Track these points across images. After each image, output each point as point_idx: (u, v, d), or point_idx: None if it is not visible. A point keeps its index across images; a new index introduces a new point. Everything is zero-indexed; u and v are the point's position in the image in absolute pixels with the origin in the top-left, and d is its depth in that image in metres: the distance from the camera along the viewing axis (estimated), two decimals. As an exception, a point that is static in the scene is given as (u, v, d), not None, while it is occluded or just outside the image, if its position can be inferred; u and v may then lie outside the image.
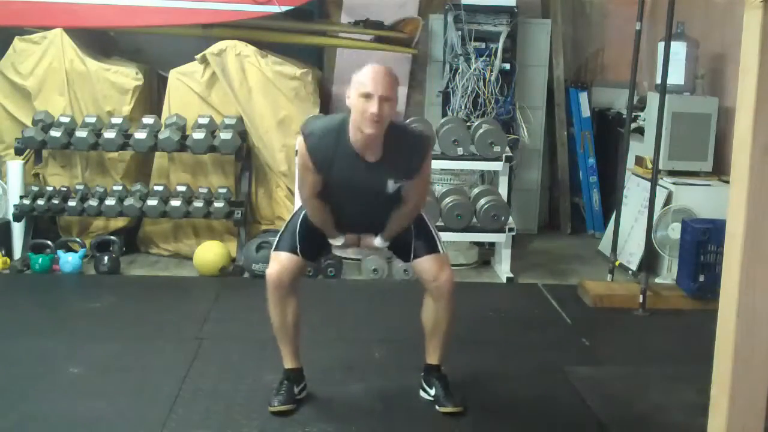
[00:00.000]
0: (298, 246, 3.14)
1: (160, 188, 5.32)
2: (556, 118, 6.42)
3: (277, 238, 3.21)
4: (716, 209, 4.72)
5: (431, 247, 3.19)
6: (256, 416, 3.14)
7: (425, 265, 3.17)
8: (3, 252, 5.17)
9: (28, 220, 5.31)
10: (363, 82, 2.88)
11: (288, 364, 3.27)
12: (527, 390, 3.50)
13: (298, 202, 4.86)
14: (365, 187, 3.05)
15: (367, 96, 2.86)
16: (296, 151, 3.20)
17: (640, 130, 5.60)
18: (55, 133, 5.21)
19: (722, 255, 2.14)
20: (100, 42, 5.88)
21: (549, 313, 4.60)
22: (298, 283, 3.19)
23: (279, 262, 3.12)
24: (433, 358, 3.31)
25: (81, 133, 5.21)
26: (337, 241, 3.25)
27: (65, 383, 3.44)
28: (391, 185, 3.05)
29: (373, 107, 2.85)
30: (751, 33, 1.98)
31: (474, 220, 5.15)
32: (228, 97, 5.44)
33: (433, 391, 3.29)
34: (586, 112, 6.42)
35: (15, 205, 5.25)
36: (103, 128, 5.29)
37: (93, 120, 5.31)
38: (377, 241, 3.24)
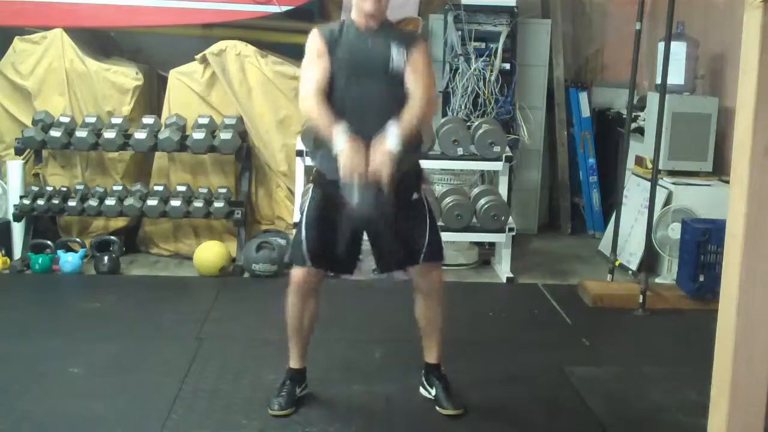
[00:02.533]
0: (311, 257, 3.13)
1: (160, 188, 5.32)
2: (556, 118, 6.42)
3: (290, 249, 3.28)
4: (716, 209, 4.72)
5: (438, 255, 3.23)
6: (256, 416, 3.15)
7: (420, 266, 3.19)
8: (3, 252, 5.17)
9: (28, 220, 5.31)
10: None
11: (294, 364, 3.28)
12: (527, 390, 3.50)
13: (298, 202, 4.86)
14: (370, 60, 3.06)
15: None
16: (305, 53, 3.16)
17: (640, 130, 5.60)
18: (55, 133, 5.21)
19: (722, 255, 2.13)
20: (100, 42, 5.88)
21: (549, 313, 4.60)
22: (321, 285, 3.22)
23: (304, 270, 3.15)
24: (431, 357, 3.32)
25: (81, 133, 5.21)
26: (339, 144, 2.86)
27: (65, 383, 3.44)
28: (395, 53, 3.04)
29: None
30: (751, 33, 1.98)
31: (474, 220, 5.15)
32: (228, 97, 5.44)
33: (433, 391, 3.30)
34: (586, 112, 6.42)
35: (15, 205, 5.25)
36: (103, 128, 5.30)
37: (93, 120, 5.31)
38: (389, 143, 2.85)
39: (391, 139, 2.86)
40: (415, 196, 3.16)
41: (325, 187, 3.09)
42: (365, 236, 3.18)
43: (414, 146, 3.09)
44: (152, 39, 6.00)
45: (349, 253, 3.12)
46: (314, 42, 3.09)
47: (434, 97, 3.20)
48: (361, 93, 3.03)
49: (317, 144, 3.14)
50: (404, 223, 3.08)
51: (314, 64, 3.05)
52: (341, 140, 2.86)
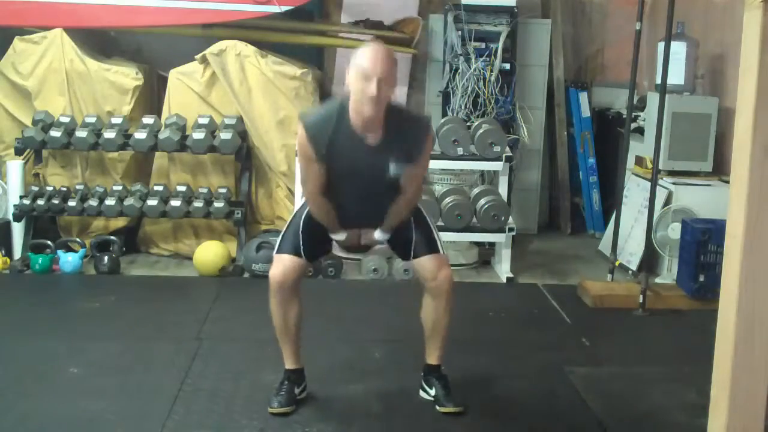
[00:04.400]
0: (302, 247, 3.14)
1: (160, 188, 5.32)
2: (556, 118, 6.42)
3: (279, 240, 3.20)
4: (716, 209, 4.72)
5: (431, 246, 3.20)
6: (256, 416, 3.14)
7: (425, 264, 3.17)
8: (3, 252, 5.16)
9: (28, 220, 5.31)
10: (362, 64, 2.88)
11: (289, 364, 3.27)
12: (527, 390, 3.50)
13: (298, 203, 4.86)
14: (367, 170, 3.03)
15: (366, 77, 2.86)
16: (296, 152, 3.19)
17: (640, 130, 5.60)
18: (55, 133, 5.21)
19: (722, 255, 2.13)
20: (100, 42, 5.88)
21: (549, 313, 4.60)
22: (300, 284, 3.19)
23: (282, 264, 3.11)
24: (432, 358, 3.31)
25: (81, 133, 5.21)
26: (338, 237, 3.23)
27: (65, 383, 3.44)
28: (393, 168, 3.03)
29: (372, 89, 2.85)
30: (751, 33, 1.98)
31: (474, 220, 5.15)
32: (228, 97, 5.44)
33: (433, 392, 3.30)
34: (586, 112, 6.42)
35: (15, 205, 5.25)
36: (103, 128, 5.29)
37: (93, 120, 5.31)
38: (377, 234, 3.21)
39: (378, 232, 3.21)
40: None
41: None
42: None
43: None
44: (152, 39, 5.99)
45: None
46: (302, 143, 3.02)
47: (421, 192, 3.37)
48: (355, 197, 3.14)
49: None
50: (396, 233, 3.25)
51: (307, 168, 3.08)
52: (339, 237, 3.23)
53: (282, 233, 3.23)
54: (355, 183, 3.09)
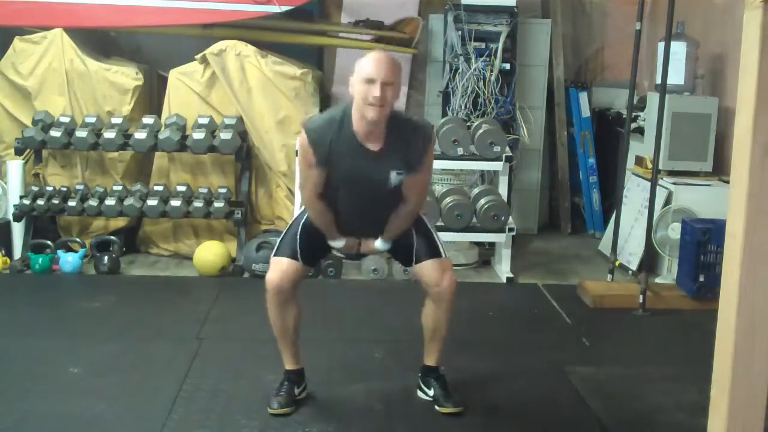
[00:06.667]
0: (299, 251, 3.12)
1: (160, 188, 5.32)
2: (556, 118, 6.42)
3: (277, 243, 3.20)
4: (716, 209, 4.72)
5: (433, 251, 3.18)
6: (256, 416, 3.14)
7: (427, 269, 3.15)
8: (3, 252, 5.17)
9: (28, 220, 5.31)
10: (365, 68, 2.89)
11: (289, 365, 3.27)
12: (527, 390, 3.50)
13: (298, 203, 4.86)
14: (367, 178, 3.02)
15: (370, 81, 2.87)
16: (296, 151, 3.18)
17: (640, 130, 5.60)
18: (55, 133, 5.21)
19: (722, 255, 2.13)
20: (100, 42, 5.88)
21: (549, 313, 4.60)
22: (298, 287, 3.18)
23: (279, 268, 3.10)
24: (431, 360, 3.31)
25: (81, 133, 5.21)
26: (337, 244, 3.23)
27: (65, 383, 3.44)
28: (394, 177, 3.02)
29: (375, 91, 2.85)
30: (751, 33, 1.97)
31: (474, 220, 5.15)
32: (228, 97, 5.44)
33: (431, 392, 3.30)
34: (586, 112, 6.42)
35: (15, 205, 5.25)
36: (103, 128, 5.30)
37: (93, 120, 5.31)
38: (378, 244, 3.21)
39: (379, 242, 3.21)
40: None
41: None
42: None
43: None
44: (152, 39, 6.00)
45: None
46: (303, 149, 3.02)
47: (425, 201, 3.37)
48: (355, 204, 3.13)
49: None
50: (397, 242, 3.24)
51: (308, 173, 3.07)
52: (338, 244, 3.22)
53: (281, 236, 3.22)
54: (355, 190, 3.08)
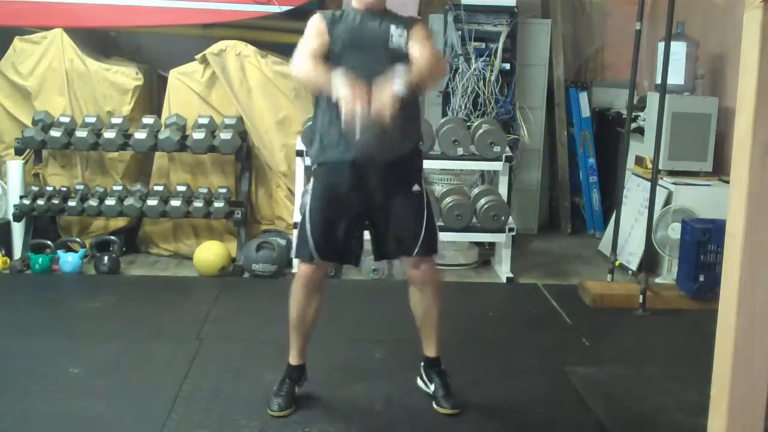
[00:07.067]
0: (314, 250, 3.11)
1: (160, 188, 5.32)
2: (556, 118, 6.42)
3: (294, 242, 3.21)
4: (716, 209, 4.72)
5: (431, 251, 3.19)
6: (256, 416, 3.14)
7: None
8: (3, 252, 5.17)
9: (28, 220, 5.31)
10: None
11: (294, 360, 3.28)
12: (527, 390, 3.50)
13: (298, 203, 4.86)
14: (370, 39, 3.05)
15: None
16: (295, 70, 3.09)
17: (640, 130, 5.60)
18: (55, 133, 5.21)
19: (722, 255, 2.13)
20: (100, 42, 5.89)
21: (549, 313, 4.60)
22: (324, 281, 3.25)
23: (302, 269, 3.18)
24: (430, 350, 3.32)
25: (81, 133, 5.21)
26: (340, 90, 2.79)
27: (65, 383, 3.44)
28: (394, 31, 3.04)
29: None
30: (751, 33, 1.97)
31: (474, 220, 5.15)
32: (228, 97, 5.44)
33: (432, 387, 3.30)
34: (586, 112, 6.42)
35: (15, 205, 5.25)
36: (103, 128, 5.30)
37: (93, 120, 5.31)
38: (396, 83, 2.79)
39: (397, 81, 2.80)
40: (416, 188, 3.15)
41: (325, 177, 3.11)
42: (366, 222, 3.20)
43: (414, 136, 3.17)
44: (152, 39, 6.00)
45: (353, 241, 3.17)
46: (314, 21, 3.12)
47: (442, 60, 3.28)
48: (361, 67, 2.95)
49: (311, 137, 3.22)
50: (403, 212, 3.12)
51: (312, 39, 3.08)
52: (341, 83, 2.80)
53: (296, 234, 3.22)
54: (358, 58, 3.01)
